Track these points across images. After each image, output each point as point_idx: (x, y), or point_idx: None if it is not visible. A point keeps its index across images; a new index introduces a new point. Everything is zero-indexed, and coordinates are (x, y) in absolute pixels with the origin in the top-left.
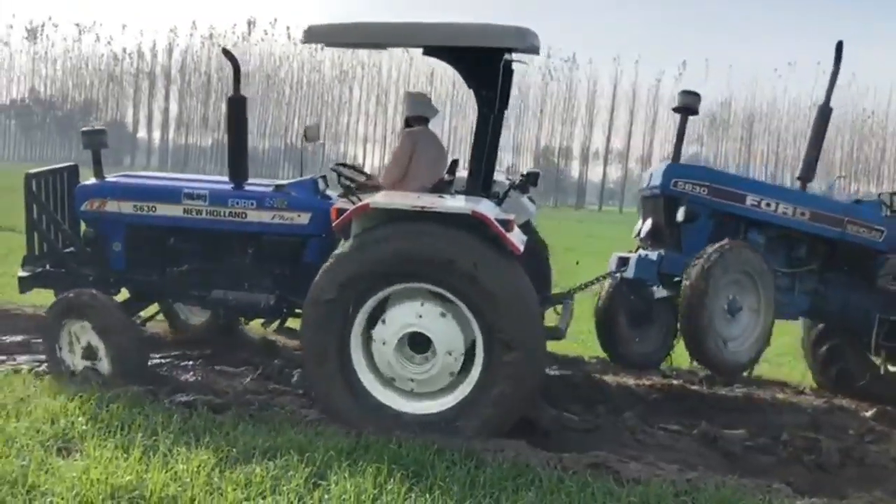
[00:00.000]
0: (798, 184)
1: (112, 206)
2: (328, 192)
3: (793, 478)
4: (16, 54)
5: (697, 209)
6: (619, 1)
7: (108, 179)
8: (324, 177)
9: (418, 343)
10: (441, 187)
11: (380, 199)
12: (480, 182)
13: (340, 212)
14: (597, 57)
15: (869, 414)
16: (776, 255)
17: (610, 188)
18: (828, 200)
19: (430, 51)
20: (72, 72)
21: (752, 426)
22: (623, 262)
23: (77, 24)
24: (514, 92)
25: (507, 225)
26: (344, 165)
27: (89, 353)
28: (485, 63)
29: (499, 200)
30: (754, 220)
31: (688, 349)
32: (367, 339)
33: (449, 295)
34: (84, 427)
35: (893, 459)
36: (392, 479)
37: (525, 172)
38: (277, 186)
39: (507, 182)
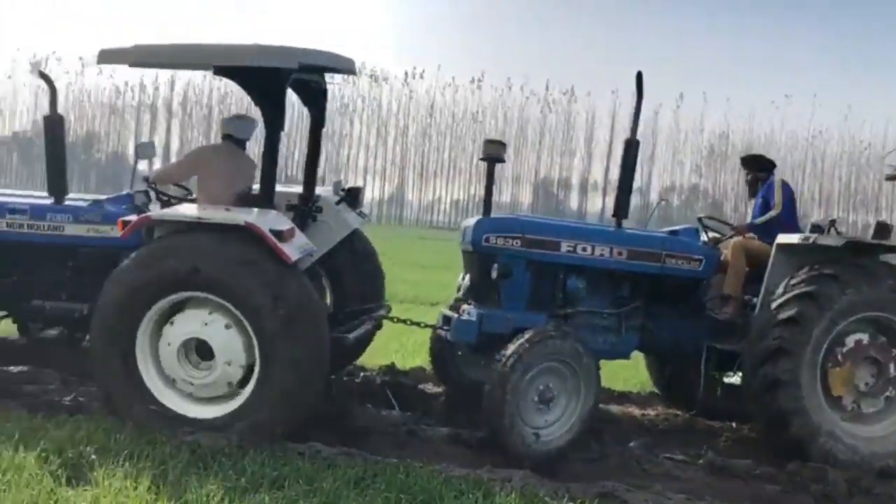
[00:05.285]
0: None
1: None
2: (150, 206)
3: None
4: (20, 87)
5: (512, 263)
6: (618, 36)
7: None
8: (146, 191)
9: (205, 350)
10: (251, 200)
11: (163, 210)
12: (270, 195)
13: (126, 224)
14: (595, 90)
15: None
16: (599, 297)
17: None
18: (645, 236)
19: (218, 71)
20: (74, 104)
21: (754, 457)
22: (447, 320)
23: (80, 58)
24: (513, 125)
25: (280, 235)
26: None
27: None
28: (268, 83)
29: (301, 213)
30: (572, 266)
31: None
32: (156, 344)
33: (221, 301)
34: (92, 457)
35: None
36: None
37: (346, 188)
38: (95, 202)
39: (335, 198)
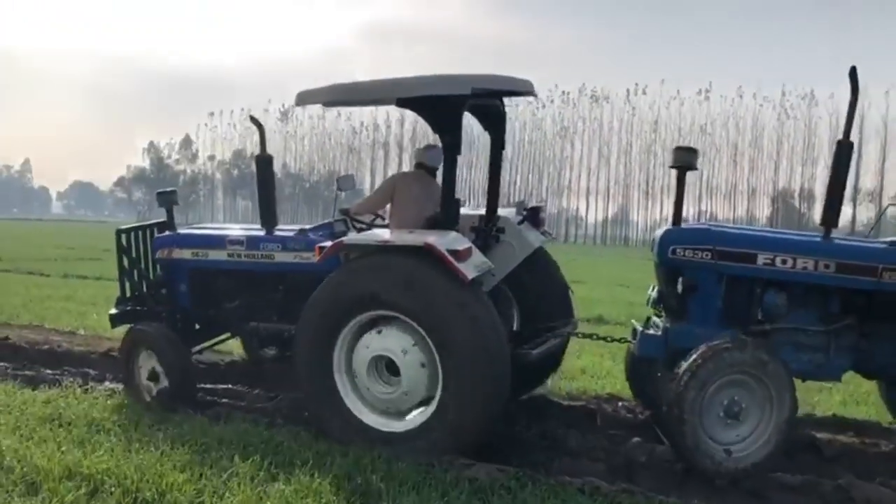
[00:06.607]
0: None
1: (177, 254)
2: (349, 234)
3: None
4: (270, 134)
5: (699, 277)
6: (862, 28)
7: (178, 232)
8: (344, 220)
9: (394, 370)
10: (436, 223)
11: (353, 235)
12: (451, 217)
13: (322, 249)
14: (838, 90)
15: None
16: (802, 313)
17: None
18: (857, 247)
19: (401, 103)
20: (317, 147)
21: None
22: (637, 333)
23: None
24: (746, 135)
25: (457, 255)
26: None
27: (153, 376)
28: (445, 110)
29: (483, 234)
30: (771, 280)
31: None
32: (349, 360)
33: (404, 318)
34: (380, 485)
35: None
36: None
37: (526, 208)
38: (300, 231)
39: (517, 218)
